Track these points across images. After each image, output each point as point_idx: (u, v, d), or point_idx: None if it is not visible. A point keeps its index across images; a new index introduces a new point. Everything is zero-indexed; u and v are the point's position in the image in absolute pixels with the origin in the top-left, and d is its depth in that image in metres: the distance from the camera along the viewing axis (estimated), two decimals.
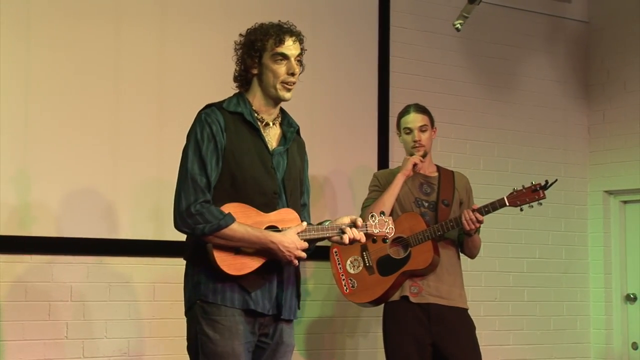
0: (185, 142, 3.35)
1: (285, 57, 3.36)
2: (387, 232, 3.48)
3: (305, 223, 3.34)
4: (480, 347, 4.56)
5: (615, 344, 6.44)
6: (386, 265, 4.50)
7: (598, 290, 6.51)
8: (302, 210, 3.54)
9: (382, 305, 4.57)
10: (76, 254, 4.71)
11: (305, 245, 3.31)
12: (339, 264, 4.62)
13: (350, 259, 4.60)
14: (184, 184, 3.26)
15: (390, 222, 3.49)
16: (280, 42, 3.35)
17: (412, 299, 4.47)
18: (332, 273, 4.67)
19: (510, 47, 6.36)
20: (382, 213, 3.51)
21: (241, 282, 3.26)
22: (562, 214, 6.44)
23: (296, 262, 3.31)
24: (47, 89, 4.69)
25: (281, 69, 3.35)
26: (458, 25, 5.23)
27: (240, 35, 3.46)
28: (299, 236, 3.30)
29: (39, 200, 4.64)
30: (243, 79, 3.45)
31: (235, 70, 3.46)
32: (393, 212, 4.53)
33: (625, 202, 6.52)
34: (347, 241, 3.37)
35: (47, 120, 4.67)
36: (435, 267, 4.47)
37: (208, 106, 3.40)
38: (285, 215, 3.35)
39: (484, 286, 6.04)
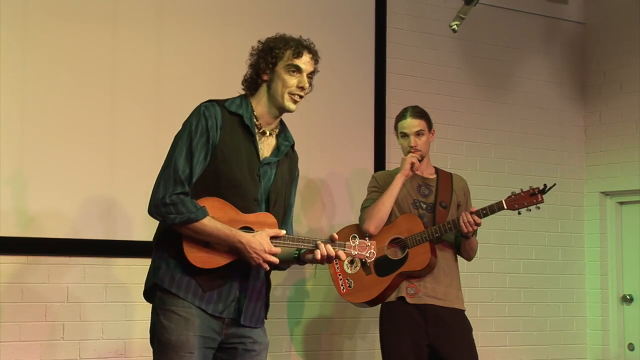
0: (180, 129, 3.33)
1: (298, 70, 3.38)
2: (367, 257, 3.34)
3: (284, 231, 3.30)
4: (477, 348, 4.56)
5: (612, 345, 6.44)
6: (383, 266, 4.49)
7: (594, 291, 6.51)
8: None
9: (379, 306, 4.57)
10: (72, 255, 4.71)
11: (277, 250, 3.25)
12: (336, 263, 4.61)
13: (348, 258, 4.59)
14: (165, 172, 3.26)
15: (372, 246, 3.34)
16: (298, 54, 3.38)
17: (409, 300, 4.46)
18: (329, 273, 4.67)
19: (507, 48, 6.37)
20: (368, 236, 3.39)
21: (198, 279, 3.25)
22: (558, 215, 6.44)
23: (266, 266, 3.26)
24: (44, 91, 4.68)
25: (292, 80, 3.37)
26: (454, 27, 5.25)
27: (259, 41, 3.46)
28: (272, 241, 3.25)
29: (36, 201, 4.63)
30: (252, 84, 3.44)
31: (247, 74, 3.46)
32: (392, 213, 4.53)
33: (621, 203, 6.53)
34: (318, 257, 3.25)
35: (44, 122, 4.67)
36: (433, 268, 4.47)
37: (209, 101, 3.40)
38: (263, 219, 3.32)
39: (480, 287, 6.05)
